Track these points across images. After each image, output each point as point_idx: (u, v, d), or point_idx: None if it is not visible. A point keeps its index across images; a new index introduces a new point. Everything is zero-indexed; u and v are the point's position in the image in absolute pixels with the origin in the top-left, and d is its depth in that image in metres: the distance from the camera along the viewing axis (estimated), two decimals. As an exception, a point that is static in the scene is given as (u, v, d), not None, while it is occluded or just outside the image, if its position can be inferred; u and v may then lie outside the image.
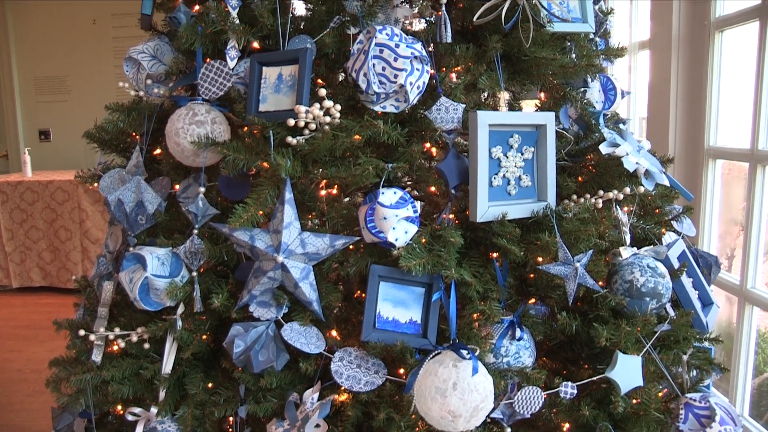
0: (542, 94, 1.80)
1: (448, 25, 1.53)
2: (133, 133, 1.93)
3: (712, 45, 2.75)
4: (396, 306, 1.51)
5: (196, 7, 1.80)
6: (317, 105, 1.40)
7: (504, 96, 1.78)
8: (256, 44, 1.64)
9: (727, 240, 3.39)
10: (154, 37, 1.89)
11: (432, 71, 1.56)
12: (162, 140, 1.78)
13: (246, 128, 1.60)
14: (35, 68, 6.31)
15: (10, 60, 6.26)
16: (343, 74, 1.68)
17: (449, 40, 1.53)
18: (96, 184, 1.90)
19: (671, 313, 1.70)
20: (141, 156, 1.81)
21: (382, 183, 1.48)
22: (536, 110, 1.84)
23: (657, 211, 1.93)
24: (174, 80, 1.83)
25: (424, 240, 1.48)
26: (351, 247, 1.55)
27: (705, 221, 2.78)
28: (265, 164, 1.48)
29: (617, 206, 1.69)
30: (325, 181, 1.53)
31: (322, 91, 1.40)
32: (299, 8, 1.75)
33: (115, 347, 1.69)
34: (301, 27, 1.66)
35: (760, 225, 2.45)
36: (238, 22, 1.60)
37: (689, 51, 2.84)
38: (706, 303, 1.87)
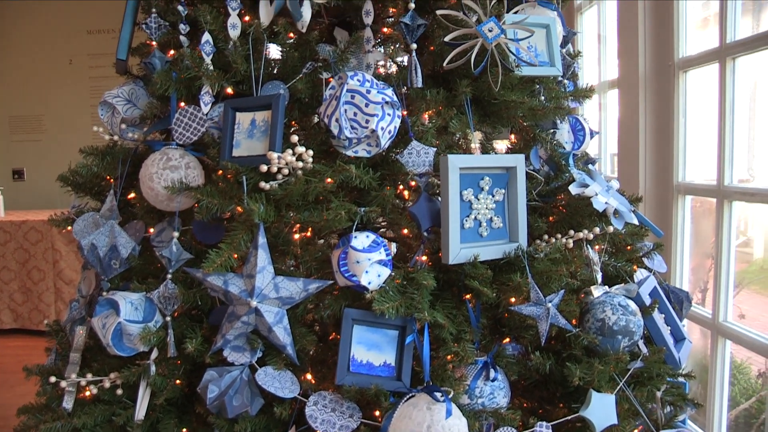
0: (513, 136, 1.83)
1: (419, 70, 1.56)
2: (108, 177, 1.92)
3: (677, 84, 2.82)
4: (370, 349, 1.51)
5: (171, 52, 1.82)
6: (290, 151, 1.42)
7: (476, 137, 1.82)
8: (229, 90, 1.65)
9: (700, 273, 3.43)
10: (129, 81, 1.91)
11: (404, 111, 1.60)
12: (136, 184, 1.78)
13: (220, 172, 1.61)
14: (10, 107, 6.27)
15: (-15, 100, 6.24)
16: (316, 117, 1.71)
17: (420, 84, 1.57)
18: (69, 228, 1.89)
19: (644, 350, 1.72)
20: (115, 200, 1.81)
21: (354, 227, 1.49)
22: (508, 150, 1.88)
23: (628, 248, 1.96)
24: (148, 124, 1.84)
25: (398, 280, 1.49)
26: (325, 289, 1.55)
27: (676, 256, 2.83)
28: (239, 209, 1.49)
29: (588, 245, 1.72)
30: (298, 225, 1.54)
31: (294, 138, 1.42)
32: (273, 51, 1.78)
33: (87, 393, 1.67)
34: (274, 72, 1.69)
35: (729, 260, 2.50)
36: (212, 68, 1.62)
37: (656, 90, 2.92)
38: (679, 338, 1.89)
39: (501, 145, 1.95)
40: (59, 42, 6.11)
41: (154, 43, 1.82)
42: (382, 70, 1.86)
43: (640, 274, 1.90)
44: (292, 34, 1.74)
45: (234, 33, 1.62)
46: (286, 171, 1.46)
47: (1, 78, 6.25)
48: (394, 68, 1.86)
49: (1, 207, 5.37)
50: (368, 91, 1.46)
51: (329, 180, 1.46)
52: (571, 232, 1.67)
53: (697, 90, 2.83)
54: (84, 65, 6.11)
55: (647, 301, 1.79)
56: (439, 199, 1.53)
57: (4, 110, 6.27)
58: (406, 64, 1.69)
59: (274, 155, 1.40)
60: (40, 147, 6.26)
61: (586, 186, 1.70)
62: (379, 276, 1.46)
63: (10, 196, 5.95)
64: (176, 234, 1.64)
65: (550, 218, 1.78)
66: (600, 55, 3.58)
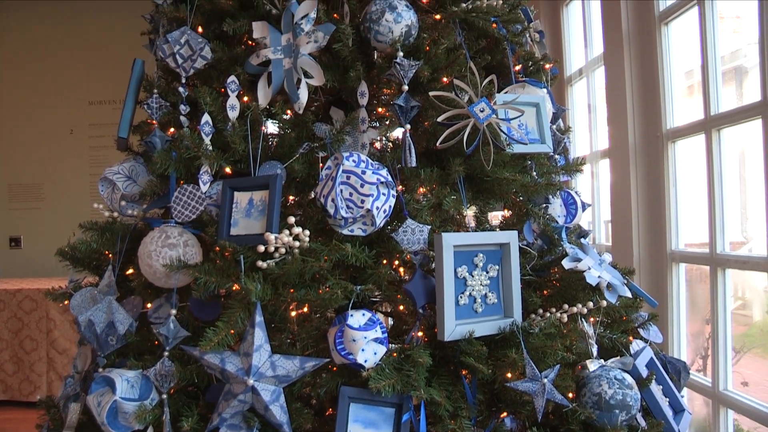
0: (506, 211, 1.87)
1: (413, 150, 1.60)
2: (107, 252, 1.94)
3: (666, 154, 2.89)
4: (367, 427, 1.50)
5: (171, 130, 1.87)
6: (286, 231, 1.45)
7: (471, 212, 1.85)
8: (228, 169, 1.69)
9: (700, 340, 3.42)
10: (130, 158, 1.95)
11: (400, 186, 1.63)
12: (135, 259, 1.80)
13: (218, 248, 1.63)
14: (10, 175, 6.33)
15: (-15, 168, 6.30)
16: (312, 194, 1.74)
17: (414, 164, 1.61)
18: (66, 302, 1.90)
19: (642, 423, 1.71)
20: (113, 275, 1.82)
21: (350, 305, 1.50)
22: (501, 224, 1.91)
23: (624, 318, 1.97)
24: (148, 201, 1.87)
25: (394, 353, 1.50)
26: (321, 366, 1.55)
27: (673, 325, 2.83)
28: (236, 286, 1.50)
29: (583, 319, 1.73)
30: (295, 302, 1.55)
31: (291, 219, 1.45)
32: (271, 127, 1.83)
33: (80, 474, 1.65)
34: (272, 151, 1.73)
35: (726, 327, 2.51)
36: (211, 148, 1.66)
37: (646, 159, 2.98)
38: (678, 410, 1.88)
39: (495, 215, 1.99)
40: (61, 112, 6.21)
41: (154, 122, 1.87)
42: (378, 145, 1.91)
43: (636, 345, 1.90)
44: (289, 112, 1.79)
45: (233, 114, 1.67)
46: (283, 250, 1.48)
47: (2, 146, 6.33)
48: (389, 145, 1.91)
49: (-4, 276, 5.36)
50: (363, 172, 1.50)
51: (326, 258, 1.48)
52: (566, 306, 1.68)
53: (687, 157, 2.89)
54: (84, 135, 6.19)
55: (644, 373, 1.79)
56: (434, 276, 1.55)
57: (3, 178, 6.32)
58: (400, 141, 1.74)
59: (272, 237, 1.43)
60: (38, 215, 6.29)
61: (579, 260, 1.73)
62: (375, 354, 1.47)
63: (6, 263, 5.95)
64: (174, 312, 1.65)
65: (545, 292, 1.79)
66: (591, 124, 3.66)
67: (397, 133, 1.96)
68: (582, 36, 3.79)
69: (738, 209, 3.21)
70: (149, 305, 1.77)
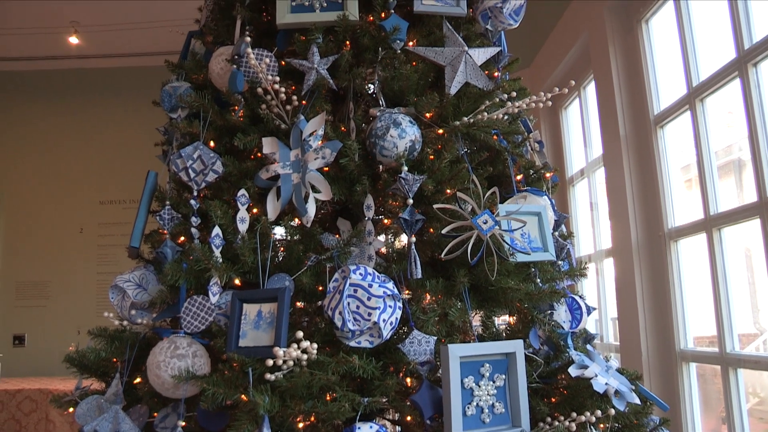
0: (511, 318, 1.88)
1: (418, 262, 1.64)
2: (114, 360, 1.95)
3: (669, 253, 2.92)
4: None
5: (182, 239, 1.91)
6: (294, 345, 1.46)
7: (476, 319, 1.87)
8: (237, 281, 1.73)
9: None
10: (140, 266, 1.98)
11: (406, 290, 1.66)
12: (143, 368, 1.80)
13: (225, 357, 1.64)
14: (18, 273, 6.37)
15: (-5, 265, 6.35)
16: (319, 303, 1.76)
17: (419, 276, 1.64)
18: (71, 410, 1.89)
19: None
20: (121, 384, 1.83)
21: (358, 417, 1.50)
22: (506, 330, 1.91)
23: (635, 422, 1.95)
24: (157, 309, 1.90)
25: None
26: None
27: (687, 427, 2.78)
28: (244, 398, 1.51)
29: (592, 427, 1.71)
30: (302, 414, 1.55)
31: (300, 333, 1.47)
32: (279, 232, 1.88)
33: None
34: (280, 261, 1.77)
35: (743, 428, 2.46)
36: (221, 260, 1.70)
37: (649, 259, 3.01)
38: None
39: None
40: (71, 211, 6.33)
41: (166, 232, 1.92)
42: (384, 250, 1.94)
43: (648, 452, 1.87)
44: (297, 219, 1.84)
45: (242, 227, 1.72)
46: (291, 363, 1.50)
47: (11, 244, 6.41)
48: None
49: (-2, 375, 5.31)
50: (370, 285, 1.53)
51: (333, 371, 1.49)
52: (574, 414, 1.67)
53: (691, 254, 2.91)
54: (94, 234, 6.28)
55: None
56: (441, 386, 1.55)
57: (12, 276, 6.37)
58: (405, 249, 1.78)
59: (280, 351, 1.44)
60: (44, 313, 6.29)
61: (586, 367, 1.73)
62: (383, 468, 1.46)
63: (9, 362, 5.91)
64: (182, 423, 1.64)
65: (552, 399, 1.78)
66: (594, 221, 3.71)
67: (403, 239, 2.00)
68: (581, 137, 3.90)
69: (748, 300, 3.19)
70: (156, 414, 1.77)
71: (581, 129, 3.89)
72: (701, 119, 2.73)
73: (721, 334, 2.56)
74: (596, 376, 1.71)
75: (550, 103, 1.86)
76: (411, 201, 1.67)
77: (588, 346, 1.89)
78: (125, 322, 1.92)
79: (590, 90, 3.77)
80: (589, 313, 2.03)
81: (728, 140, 3.19)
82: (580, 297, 2.02)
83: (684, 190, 3.06)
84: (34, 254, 6.34)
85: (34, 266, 6.34)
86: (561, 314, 1.91)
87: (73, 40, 5.92)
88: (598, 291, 3.61)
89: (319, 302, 1.68)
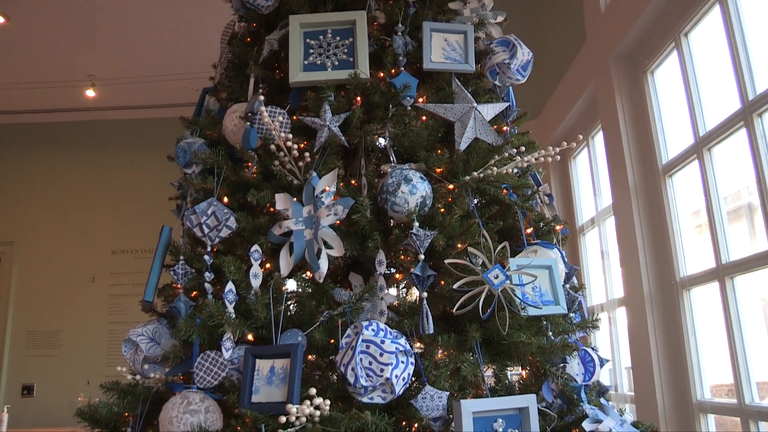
0: (524, 372, 1.87)
1: (430, 317, 1.65)
2: (126, 414, 1.95)
3: (682, 302, 2.90)
4: None
5: (194, 293, 1.93)
6: (307, 402, 1.47)
7: (489, 372, 1.86)
8: (250, 336, 1.74)
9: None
10: (153, 320, 2.00)
11: (417, 342, 1.66)
12: (155, 423, 1.80)
13: (237, 412, 1.64)
14: (29, 322, 6.39)
15: (7, 314, 6.36)
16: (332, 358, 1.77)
17: (431, 331, 1.64)
18: (83, 466, 1.89)
19: None
20: (132, 440, 1.82)
21: (371, 475, 1.49)
22: (519, 384, 1.91)
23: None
24: (170, 363, 1.90)
25: None
26: None
27: (706, 481, 2.73)
28: (257, 455, 1.50)
29: (608, 484, 1.69)
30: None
31: (313, 390, 1.47)
32: (291, 285, 1.89)
33: None
34: (293, 316, 1.78)
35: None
36: (234, 315, 1.71)
37: (662, 308, 2.99)
38: None
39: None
40: (83, 260, 6.37)
41: (179, 286, 1.94)
42: (395, 303, 1.95)
43: None
44: (309, 273, 1.85)
45: (255, 282, 1.73)
46: (303, 419, 1.49)
47: (25, 293, 6.44)
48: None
49: (5, 425, 5.26)
50: (383, 341, 1.53)
51: (346, 427, 1.49)
52: (589, 470, 1.65)
53: (705, 302, 2.89)
54: (105, 283, 6.31)
55: None
56: (455, 442, 1.54)
57: (23, 325, 6.38)
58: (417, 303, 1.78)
59: (293, 408, 1.44)
60: (54, 362, 6.28)
61: (600, 421, 1.72)
62: None
63: (17, 412, 5.87)
64: (192, 480, 1.63)
65: (567, 455, 1.76)
66: (605, 270, 3.70)
67: (414, 293, 2.01)
68: (591, 186, 3.93)
69: (767, 348, 3.15)
70: (167, 470, 1.76)
71: (590, 178, 3.92)
72: (709, 169, 2.74)
73: (739, 384, 2.52)
74: (611, 430, 1.70)
75: (558, 157, 1.89)
76: (422, 256, 1.69)
77: (602, 400, 1.87)
78: (138, 376, 1.93)
79: (598, 139, 3.81)
80: (602, 365, 2.02)
81: (738, 185, 3.20)
82: (593, 349, 2.01)
83: (695, 236, 3.06)
84: (45, 303, 6.36)
85: (45, 315, 6.36)
86: (574, 367, 1.90)
87: (90, 93, 6.05)
88: (611, 340, 3.58)
89: (332, 357, 1.69)
